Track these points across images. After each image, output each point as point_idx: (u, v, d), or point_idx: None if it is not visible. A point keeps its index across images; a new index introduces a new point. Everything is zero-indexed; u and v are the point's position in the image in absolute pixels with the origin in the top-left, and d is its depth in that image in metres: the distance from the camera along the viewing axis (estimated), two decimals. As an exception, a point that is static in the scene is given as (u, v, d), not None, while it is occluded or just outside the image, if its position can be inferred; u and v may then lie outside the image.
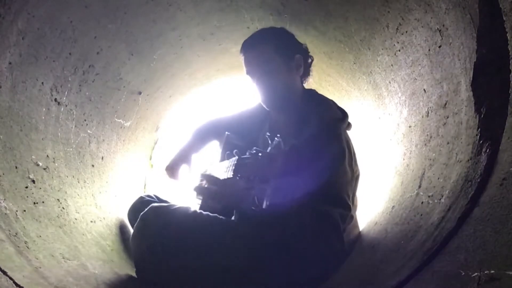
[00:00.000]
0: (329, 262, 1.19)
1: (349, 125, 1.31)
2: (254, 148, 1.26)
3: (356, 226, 1.35)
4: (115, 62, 1.53)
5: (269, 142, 1.34)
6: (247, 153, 1.22)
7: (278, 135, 1.28)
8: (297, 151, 1.18)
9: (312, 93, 1.37)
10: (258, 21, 1.66)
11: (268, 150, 1.26)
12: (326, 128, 1.20)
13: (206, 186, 1.28)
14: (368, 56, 1.47)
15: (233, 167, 1.15)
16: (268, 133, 1.37)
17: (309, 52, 1.37)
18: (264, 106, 1.33)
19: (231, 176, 1.13)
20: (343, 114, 1.29)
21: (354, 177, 1.22)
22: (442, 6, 0.96)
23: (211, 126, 1.62)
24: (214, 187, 1.22)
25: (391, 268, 0.92)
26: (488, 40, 0.80)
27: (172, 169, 1.46)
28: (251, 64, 1.29)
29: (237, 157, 1.17)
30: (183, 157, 1.50)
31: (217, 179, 1.21)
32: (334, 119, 1.25)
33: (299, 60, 1.31)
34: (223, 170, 1.22)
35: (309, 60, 1.37)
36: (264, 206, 1.13)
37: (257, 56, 1.27)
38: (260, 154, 1.17)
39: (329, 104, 1.32)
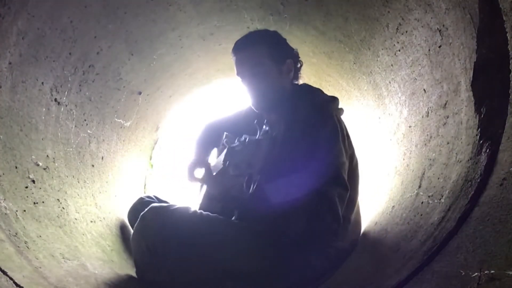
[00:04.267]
0: (326, 245, 1.19)
1: (340, 110, 1.32)
2: (244, 135, 1.27)
3: (359, 221, 1.34)
4: (115, 62, 1.53)
5: (258, 129, 1.34)
6: (236, 141, 1.23)
7: (266, 121, 1.29)
8: (287, 137, 1.19)
9: (303, 86, 1.38)
10: (258, 21, 1.66)
11: (257, 137, 1.27)
12: (316, 109, 1.21)
13: (205, 183, 1.29)
14: (368, 56, 1.47)
15: (223, 157, 1.16)
16: (256, 121, 1.38)
17: (299, 57, 1.38)
18: (253, 108, 1.34)
19: (222, 166, 1.14)
20: (333, 97, 1.31)
21: (348, 158, 1.21)
22: (442, 6, 0.96)
23: (210, 132, 1.63)
24: (210, 182, 1.24)
25: (391, 268, 0.92)
26: (488, 40, 0.80)
27: (190, 176, 1.49)
28: (241, 65, 1.30)
29: (227, 146, 1.18)
30: (194, 166, 1.53)
31: (209, 172, 1.23)
32: (324, 100, 1.26)
33: (289, 64, 1.32)
34: (219, 164, 1.24)
35: (299, 65, 1.38)
36: (250, 190, 1.13)
37: (248, 58, 1.28)
38: (247, 140, 1.17)
39: (318, 90, 1.35)
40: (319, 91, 1.34)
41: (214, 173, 1.24)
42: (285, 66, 1.31)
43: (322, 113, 1.20)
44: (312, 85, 1.40)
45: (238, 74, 1.32)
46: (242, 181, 1.15)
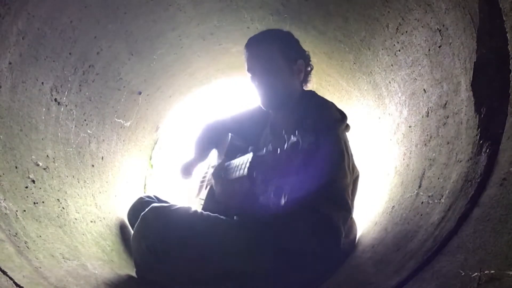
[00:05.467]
0: (325, 266, 1.19)
1: (347, 127, 1.30)
2: (270, 145, 1.25)
3: (354, 226, 1.35)
4: (115, 62, 1.53)
5: (285, 139, 1.32)
6: (264, 150, 1.20)
7: (297, 132, 1.27)
8: (315, 148, 1.17)
9: (312, 94, 1.37)
10: (258, 21, 1.66)
11: (284, 148, 1.25)
12: (324, 129, 1.20)
13: (215, 186, 1.26)
14: (368, 56, 1.47)
15: (248, 165, 1.13)
16: (283, 131, 1.36)
17: (310, 60, 1.38)
18: (262, 106, 1.33)
19: (245, 173, 1.11)
20: (342, 116, 1.28)
21: (352, 179, 1.21)
22: (442, 6, 0.96)
23: (211, 132, 1.62)
24: (224, 186, 1.20)
25: (391, 268, 0.92)
26: (488, 40, 0.80)
27: (184, 173, 1.56)
28: (254, 61, 1.30)
29: (252, 153, 1.16)
30: (189, 167, 1.55)
31: (225, 178, 1.19)
32: (333, 120, 1.24)
33: (301, 65, 1.32)
34: (236, 168, 1.20)
35: (309, 68, 1.37)
36: (282, 202, 1.12)
37: (262, 54, 1.28)
38: (278, 151, 1.16)
39: (328, 105, 1.32)
40: (329, 106, 1.31)
41: (231, 177, 1.20)
42: (296, 66, 1.31)
43: (329, 135, 1.18)
44: (314, 84, 1.39)
45: (249, 69, 1.31)
46: (270, 190, 1.14)
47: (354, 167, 1.27)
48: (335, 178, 1.12)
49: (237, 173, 1.15)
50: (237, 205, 1.18)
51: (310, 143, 1.18)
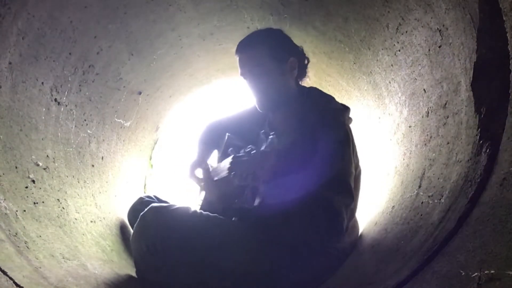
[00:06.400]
0: (326, 262, 1.19)
1: (350, 119, 1.32)
2: (249, 146, 1.27)
3: (356, 225, 1.35)
4: (115, 62, 1.53)
5: (264, 139, 1.34)
6: (241, 152, 1.23)
7: (273, 133, 1.28)
8: (291, 150, 1.18)
9: (313, 89, 1.38)
10: (258, 21, 1.66)
11: (263, 148, 1.26)
12: (329, 116, 1.21)
13: (204, 186, 1.28)
14: (368, 56, 1.47)
15: (228, 166, 1.16)
16: (263, 131, 1.37)
17: (305, 54, 1.37)
18: (258, 108, 1.34)
19: (226, 174, 1.13)
20: (344, 107, 1.31)
21: (355, 167, 1.21)
22: (442, 6, 0.96)
23: (212, 133, 1.63)
24: (210, 186, 1.23)
25: (391, 268, 0.92)
26: (488, 40, 0.80)
27: (191, 175, 1.49)
28: (243, 66, 1.30)
29: (232, 155, 1.18)
30: (196, 166, 1.53)
31: (211, 179, 1.22)
32: (337, 109, 1.26)
33: (293, 63, 1.31)
34: (221, 169, 1.23)
35: (305, 62, 1.37)
36: (255, 203, 1.13)
37: (249, 59, 1.28)
38: (253, 151, 1.17)
39: (330, 98, 1.34)
40: (331, 98, 1.33)
41: (216, 178, 1.23)
42: (288, 65, 1.31)
43: (334, 120, 1.19)
44: (313, 84, 1.39)
45: (241, 74, 1.32)
46: (248, 192, 1.15)
47: (357, 157, 1.27)
48: (341, 161, 1.12)
49: (220, 174, 1.18)
50: (225, 205, 1.20)
51: (285, 143, 1.20)
